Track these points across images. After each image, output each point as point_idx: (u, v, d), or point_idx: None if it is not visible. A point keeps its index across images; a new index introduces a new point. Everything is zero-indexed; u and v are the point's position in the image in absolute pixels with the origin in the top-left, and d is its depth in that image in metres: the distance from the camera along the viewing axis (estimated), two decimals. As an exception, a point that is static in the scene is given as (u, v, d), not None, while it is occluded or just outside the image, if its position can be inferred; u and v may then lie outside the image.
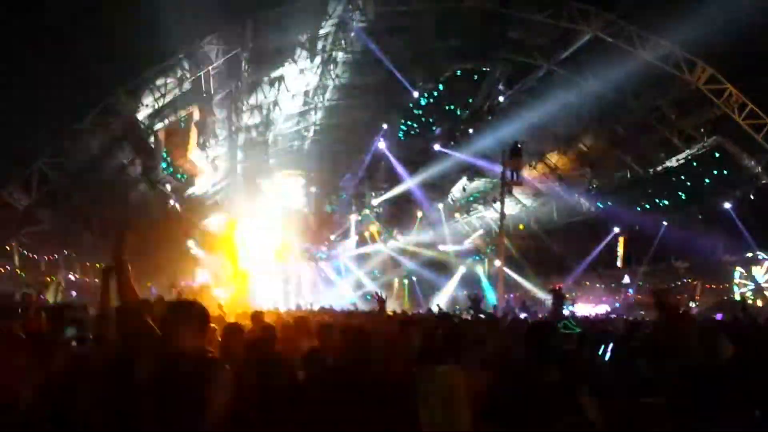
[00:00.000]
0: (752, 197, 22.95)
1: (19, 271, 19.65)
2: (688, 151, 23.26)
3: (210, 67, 19.73)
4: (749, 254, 24.67)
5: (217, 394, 3.28)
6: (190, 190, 25.39)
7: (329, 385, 4.80)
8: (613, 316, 20.89)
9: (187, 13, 16.89)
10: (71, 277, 22.25)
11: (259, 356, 5.00)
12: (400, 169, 29.97)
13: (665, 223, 25.91)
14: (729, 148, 21.80)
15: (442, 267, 34.72)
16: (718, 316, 16.11)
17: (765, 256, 24.28)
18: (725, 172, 23.00)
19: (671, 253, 27.24)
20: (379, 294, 7.04)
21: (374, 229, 35.43)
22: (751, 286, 24.98)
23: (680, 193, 25.44)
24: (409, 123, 29.87)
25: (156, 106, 19.81)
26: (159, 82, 19.45)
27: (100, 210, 21.99)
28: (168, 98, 19.85)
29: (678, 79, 21.01)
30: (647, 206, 26.83)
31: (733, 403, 3.39)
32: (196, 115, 21.32)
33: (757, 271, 24.89)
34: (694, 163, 23.81)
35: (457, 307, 26.86)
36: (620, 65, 21.00)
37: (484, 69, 24.98)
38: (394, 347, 5.25)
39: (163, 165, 22.50)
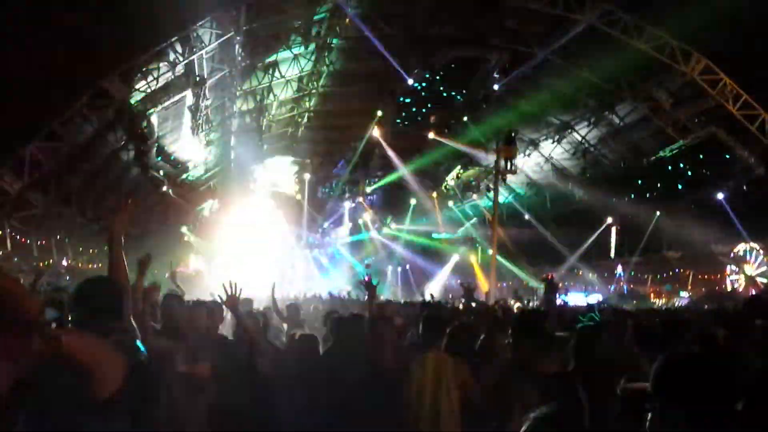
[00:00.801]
0: (745, 188, 23.02)
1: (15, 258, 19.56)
2: (682, 142, 23.29)
3: (203, 52, 19.60)
4: (742, 244, 24.79)
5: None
6: (183, 176, 25.31)
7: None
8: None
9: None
10: (64, 262, 22.18)
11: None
12: (394, 156, 29.90)
13: (658, 213, 25.98)
14: (723, 139, 21.83)
15: (435, 255, 34.75)
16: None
17: (757, 247, 24.39)
18: (719, 162, 23.04)
19: (664, 243, 27.35)
20: (369, 278, 6.55)
21: (367, 216, 35.42)
22: (743, 276, 25.13)
23: (674, 184, 25.48)
24: (403, 110, 29.79)
25: (149, 91, 19.67)
26: (152, 66, 19.31)
27: (93, 195, 21.91)
28: (161, 82, 19.71)
29: (673, 69, 20.99)
30: (641, 196, 26.88)
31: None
32: (189, 100, 21.18)
33: (749, 262, 25.02)
34: (688, 154, 23.86)
35: (450, 295, 26.89)
36: (615, 55, 20.97)
37: (480, 57, 24.88)
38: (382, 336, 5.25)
39: (156, 150, 22.39)
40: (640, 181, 26.00)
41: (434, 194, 33.88)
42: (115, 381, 2.56)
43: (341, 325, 5.77)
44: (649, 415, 2.34)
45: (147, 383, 2.96)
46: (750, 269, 24.82)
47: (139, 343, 3.13)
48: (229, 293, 5.02)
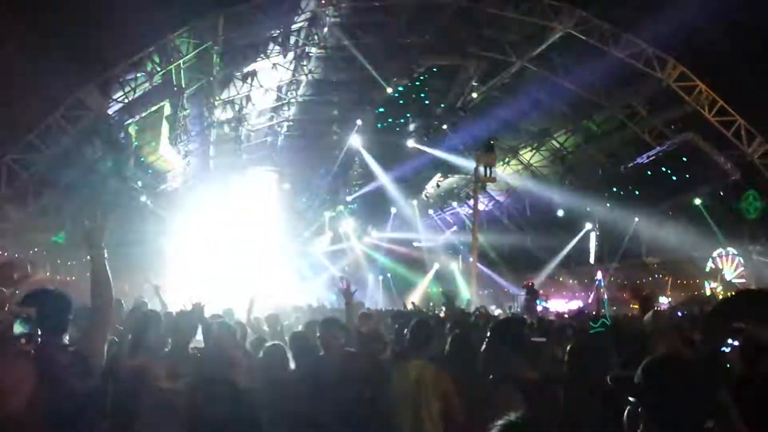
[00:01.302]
0: (722, 193, 23.24)
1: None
2: (659, 148, 23.50)
3: (181, 61, 19.50)
4: (720, 250, 25.01)
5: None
6: (161, 186, 25.10)
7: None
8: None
9: (157, 6, 16.67)
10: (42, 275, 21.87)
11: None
12: (374, 165, 29.90)
13: (636, 219, 26.16)
14: (699, 145, 22.04)
15: (416, 263, 34.76)
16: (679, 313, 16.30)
17: (735, 252, 24.62)
18: (696, 168, 23.24)
19: (643, 249, 27.54)
20: (347, 282, 6.35)
21: (348, 225, 35.38)
22: (721, 281, 25.32)
23: (651, 190, 25.67)
24: (383, 119, 29.82)
25: (126, 101, 19.53)
26: (129, 76, 19.19)
27: (71, 206, 21.65)
28: (138, 93, 19.58)
29: (649, 76, 21.20)
30: (619, 202, 27.07)
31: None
32: (167, 110, 21.04)
33: (726, 267, 25.23)
34: (665, 160, 24.07)
35: (431, 303, 26.91)
36: (592, 62, 21.17)
37: (458, 65, 24.99)
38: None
39: (134, 160, 22.19)
40: (617, 188, 26.16)
41: (414, 202, 33.90)
42: (18, 396, 2.52)
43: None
44: (627, 408, 2.36)
45: (63, 399, 2.91)
46: (728, 274, 25.05)
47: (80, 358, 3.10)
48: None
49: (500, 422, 2.10)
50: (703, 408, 2.27)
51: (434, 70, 25.33)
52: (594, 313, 17.43)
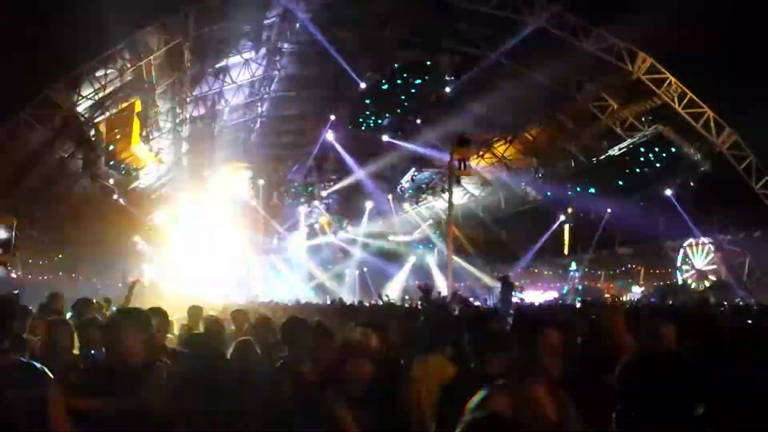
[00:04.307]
0: (692, 184, 23.54)
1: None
2: (630, 140, 23.74)
3: (151, 57, 19.30)
4: (691, 239, 25.35)
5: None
6: (134, 184, 24.85)
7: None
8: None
9: (127, 2, 16.48)
10: (13, 275, 21.61)
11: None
12: (348, 160, 29.86)
13: (609, 210, 26.41)
14: (669, 137, 22.30)
15: (392, 257, 34.78)
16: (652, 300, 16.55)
17: (706, 241, 24.98)
18: (667, 159, 23.51)
19: (615, 239, 27.81)
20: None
21: (324, 220, 35.30)
22: (693, 270, 25.70)
23: (623, 181, 25.90)
24: (357, 114, 29.75)
25: (96, 98, 19.30)
26: (99, 72, 18.95)
27: (41, 206, 21.39)
28: (109, 89, 19.37)
29: (620, 69, 21.41)
30: (592, 194, 27.30)
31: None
32: (138, 107, 20.83)
33: (698, 256, 25.61)
34: (637, 151, 24.30)
35: (407, 296, 26.96)
36: (564, 56, 21.30)
37: (431, 60, 25.01)
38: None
39: (105, 158, 21.95)
40: (590, 179, 26.36)
41: (390, 197, 33.90)
42: None
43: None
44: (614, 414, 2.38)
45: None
46: (699, 263, 25.43)
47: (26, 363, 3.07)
48: None
49: (465, 419, 2.10)
50: (688, 396, 2.29)
51: (408, 64, 25.33)
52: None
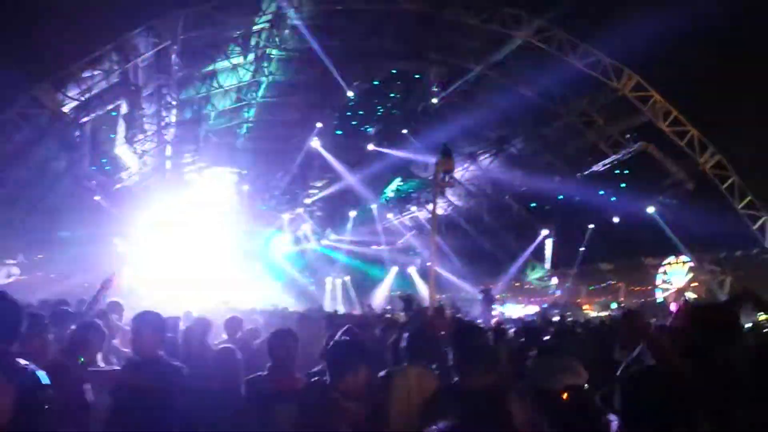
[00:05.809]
0: (675, 202, 23.73)
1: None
2: (614, 156, 23.91)
3: (139, 60, 19.20)
4: (672, 257, 25.53)
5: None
6: (117, 185, 24.67)
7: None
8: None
9: (116, 4, 16.40)
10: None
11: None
12: (334, 168, 29.84)
13: (592, 225, 26.56)
14: (654, 154, 22.49)
15: (375, 266, 34.76)
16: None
17: (686, 260, 25.16)
18: (650, 177, 23.69)
19: (597, 255, 27.96)
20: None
21: (307, 228, 35.23)
22: (673, 288, 25.87)
23: (606, 197, 26.09)
24: (343, 122, 29.77)
25: (82, 99, 19.15)
26: (85, 74, 18.81)
27: (24, 205, 21.16)
28: (95, 91, 19.21)
29: (605, 85, 21.58)
30: (575, 209, 27.46)
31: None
32: (124, 109, 20.71)
33: (678, 275, 25.79)
34: (621, 168, 24.50)
35: (389, 306, 26.92)
36: (550, 71, 21.46)
37: (418, 70, 25.11)
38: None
39: (89, 159, 21.79)
40: (573, 195, 26.51)
41: (374, 206, 33.91)
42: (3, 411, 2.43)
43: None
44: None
45: (37, 412, 2.83)
46: (679, 281, 25.61)
47: (34, 367, 2.99)
48: None
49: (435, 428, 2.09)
50: (687, 403, 2.30)
51: (395, 74, 25.42)
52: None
